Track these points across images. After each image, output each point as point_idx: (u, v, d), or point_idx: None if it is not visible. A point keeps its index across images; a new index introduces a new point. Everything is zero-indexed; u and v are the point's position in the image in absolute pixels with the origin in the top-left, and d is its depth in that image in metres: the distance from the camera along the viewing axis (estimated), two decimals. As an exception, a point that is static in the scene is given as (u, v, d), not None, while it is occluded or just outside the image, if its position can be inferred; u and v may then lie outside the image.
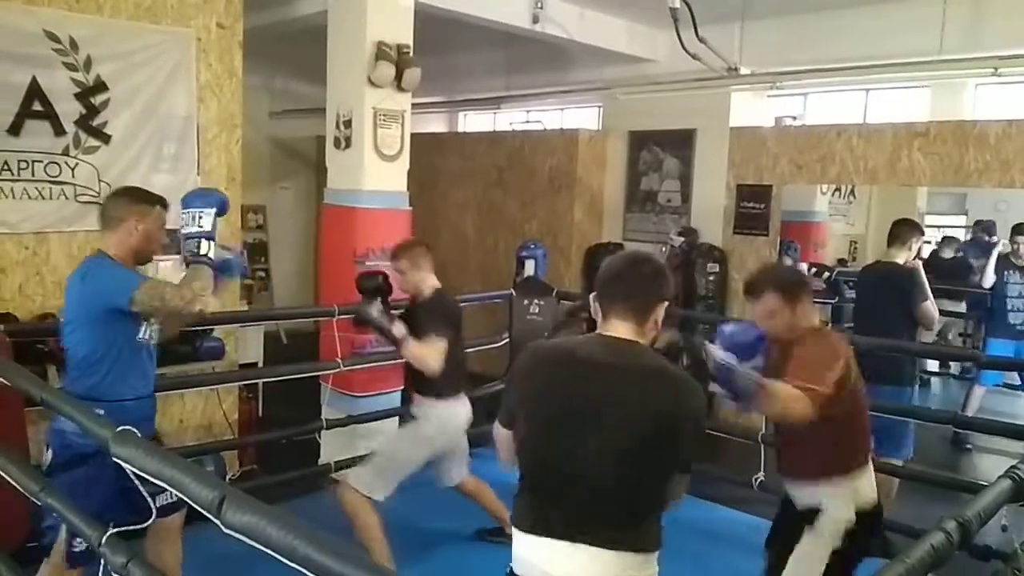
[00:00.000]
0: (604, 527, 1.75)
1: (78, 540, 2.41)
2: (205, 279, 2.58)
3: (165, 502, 2.47)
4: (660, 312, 1.86)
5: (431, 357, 3.31)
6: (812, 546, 2.35)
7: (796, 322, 2.43)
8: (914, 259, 4.28)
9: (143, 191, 2.78)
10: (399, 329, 3.33)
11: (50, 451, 2.58)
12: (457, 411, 3.54)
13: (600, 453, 1.75)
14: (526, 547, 1.82)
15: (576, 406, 1.79)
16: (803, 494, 2.46)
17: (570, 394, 1.81)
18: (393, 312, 3.51)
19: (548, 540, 1.77)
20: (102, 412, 2.38)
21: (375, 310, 3.36)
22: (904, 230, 4.30)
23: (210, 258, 2.61)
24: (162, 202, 2.71)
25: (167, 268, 4.37)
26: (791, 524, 2.48)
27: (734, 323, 2.31)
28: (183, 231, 2.62)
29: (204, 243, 2.60)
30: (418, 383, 3.50)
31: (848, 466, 2.42)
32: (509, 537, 3.69)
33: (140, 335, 2.63)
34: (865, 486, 2.44)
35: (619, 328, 1.84)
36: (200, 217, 2.60)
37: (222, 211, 2.67)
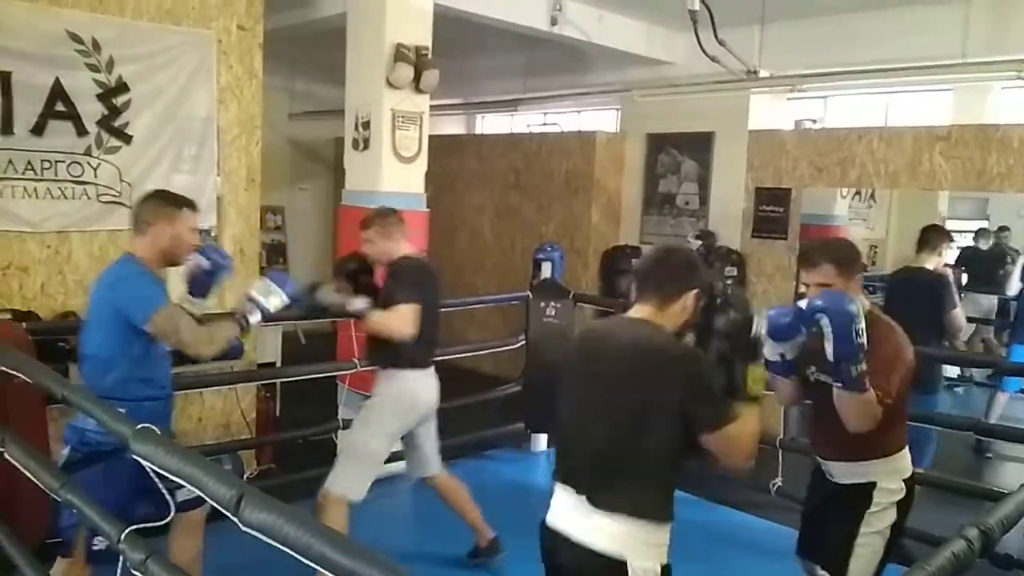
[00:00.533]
0: (600, 486, 1.91)
1: (99, 538, 2.42)
2: (227, 339, 2.73)
3: (185, 497, 2.41)
4: (688, 299, 2.00)
5: (397, 323, 3.12)
6: (872, 527, 2.41)
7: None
8: (943, 265, 4.24)
9: (172, 194, 2.81)
10: (356, 304, 3.23)
11: (67, 448, 2.60)
12: (427, 383, 3.35)
13: (595, 415, 1.95)
14: (554, 494, 2.03)
15: (583, 374, 2.03)
16: (853, 472, 2.47)
17: (582, 364, 2.05)
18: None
19: (563, 488, 1.99)
20: (123, 412, 2.37)
21: (322, 295, 3.33)
22: (934, 236, 4.26)
23: (249, 328, 2.82)
24: (191, 205, 2.74)
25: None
26: (834, 518, 2.49)
27: (776, 308, 2.42)
28: (253, 293, 2.84)
29: (257, 315, 2.82)
30: (380, 355, 3.32)
31: (899, 444, 2.49)
32: (482, 554, 3.51)
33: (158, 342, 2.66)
34: (907, 460, 2.53)
35: (639, 310, 2.02)
36: (273, 298, 2.83)
37: (289, 305, 2.91)
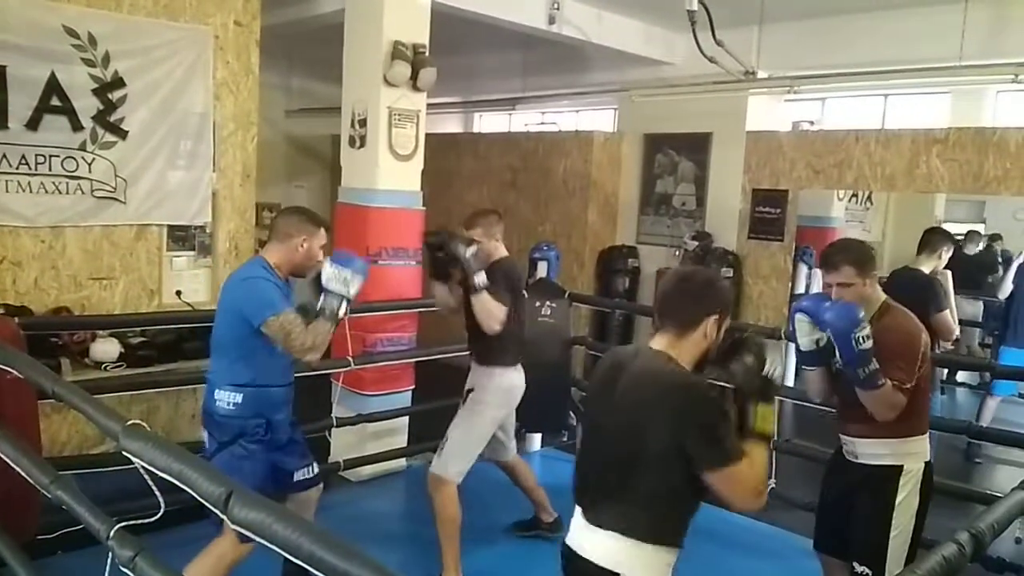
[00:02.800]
0: (600, 505, 1.96)
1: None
2: (326, 340, 2.81)
3: (304, 477, 2.98)
4: (709, 324, 1.97)
5: (496, 315, 3.36)
6: (902, 516, 2.54)
7: (865, 292, 2.60)
8: (943, 269, 4.24)
9: (314, 213, 2.98)
10: (482, 278, 3.35)
11: (207, 435, 2.85)
12: (516, 380, 3.58)
13: (602, 438, 2.01)
14: (574, 516, 2.07)
15: (599, 396, 2.07)
16: (879, 452, 2.60)
17: (600, 388, 2.07)
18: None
19: (579, 511, 2.04)
20: (241, 397, 2.76)
21: (469, 250, 3.36)
22: (935, 239, 4.27)
23: (339, 320, 2.86)
24: (327, 226, 2.96)
25: (181, 262, 4.42)
26: (864, 512, 2.59)
27: (808, 297, 2.62)
28: (329, 285, 2.81)
29: (345, 306, 2.84)
30: (480, 352, 3.56)
31: (924, 427, 2.64)
32: (544, 528, 3.81)
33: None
34: (927, 444, 2.67)
35: (657, 340, 2.01)
36: (351, 282, 2.83)
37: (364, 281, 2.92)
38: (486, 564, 3.67)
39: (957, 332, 4.42)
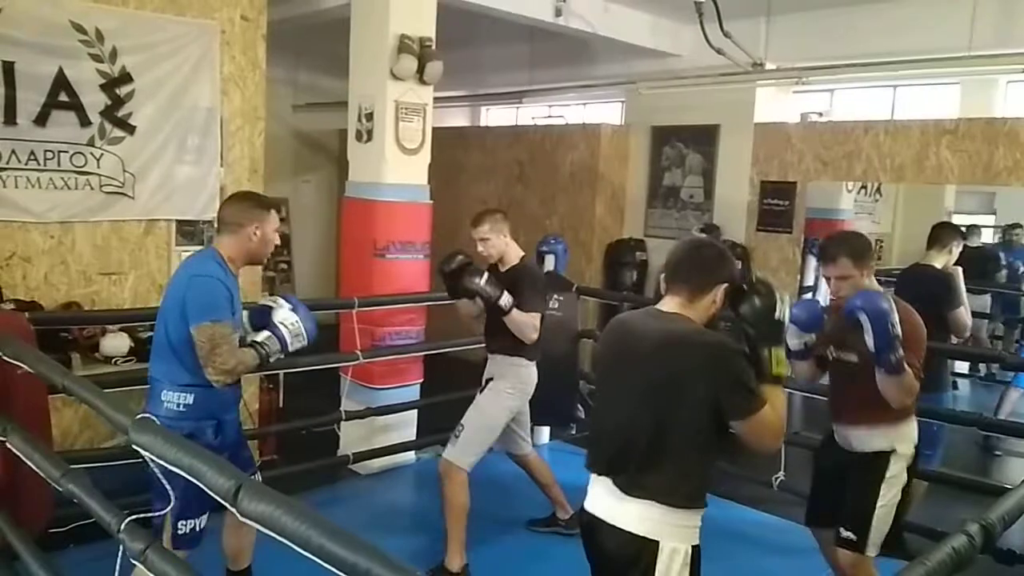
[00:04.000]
0: (627, 473, 1.97)
1: (182, 523, 2.51)
2: (247, 369, 2.65)
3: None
4: (718, 292, 2.04)
5: (531, 327, 3.44)
6: (890, 488, 2.69)
7: (863, 284, 2.70)
8: (954, 264, 4.22)
9: (261, 196, 2.86)
10: (507, 299, 3.40)
11: None
12: (532, 371, 3.63)
13: (626, 405, 2.00)
14: (590, 481, 2.10)
15: (615, 365, 2.09)
16: (874, 437, 2.73)
17: (614, 355, 2.11)
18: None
19: (595, 476, 2.06)
20: (192, 398, 2.58)
21: (482, 281, 3.38)
22: (944, 233, 4.25)
23: (268, 364, 2.73)
24: (278, 207, 2.84)
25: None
26: (854, 484, 2.74)
27: (798, 304, 2.70)
28: (279, 327, 2.70)
29: (279, 353, 2.69)
30: (503, 345, 3.57)
31: (912, 411, 2.75)
32: (562, 525, 3.86)
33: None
34: (915, 426, 2.80)
35: (669, 303, 2.06)
36: (298, 339, 2.72)
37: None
38: (499, 556, 3.68)
39: (970, 328, 4.39)
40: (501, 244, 3.57)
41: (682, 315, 2.02)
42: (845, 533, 2.73)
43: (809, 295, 6.23)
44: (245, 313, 2.81)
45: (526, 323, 3.43)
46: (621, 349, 2.08)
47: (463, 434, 3.49)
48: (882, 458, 2.70)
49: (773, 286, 2.12)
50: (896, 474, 2.70)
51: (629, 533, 1.95)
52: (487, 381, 3.63)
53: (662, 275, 2.14)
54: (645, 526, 1.94)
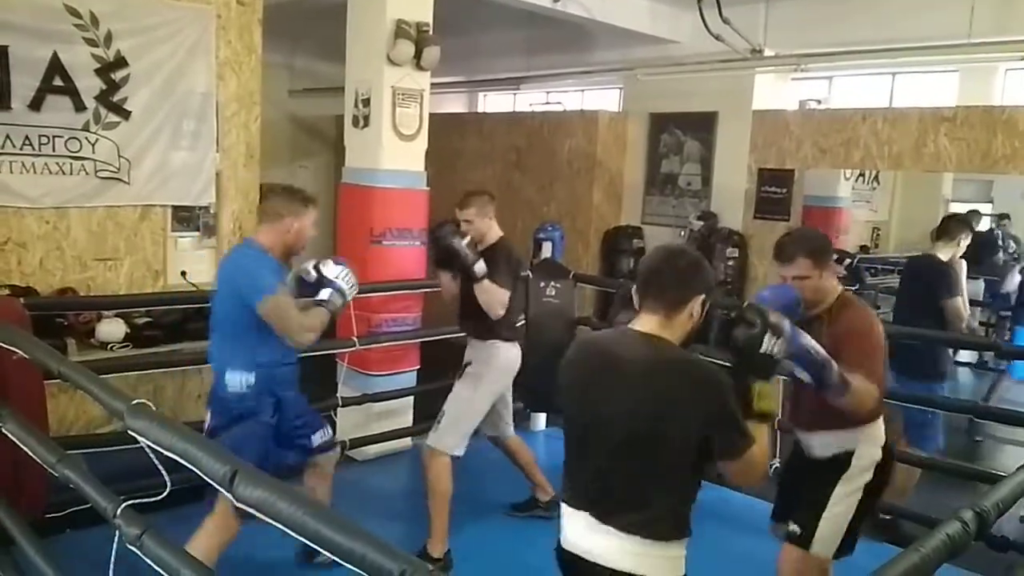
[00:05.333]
0: (609, 507, 1.85)
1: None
2: (321, 328, 2.84)
3: (322, 440, 3.10)
4: (695, 305, 1.90)
5: (498, 300, 3.43)
6: (848, 486, 2.52)
7: (822, 285, 2.52)
8: (960, 257, 4.23)
9: (301, 192, 2.99)
10: (481, 266, 3.42)
11: (210, 414, 2.88)
12: (514, 354, 3.63)
13: (605, 438, 1.86)
14: (564, 516, 1.97)
15: (592, 392, 1.90)
16: (834, 442, 2.57)
17: (591, 381, 1.92)
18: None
19: (572, 511, 1.93)
20: (254, 377, 2.79)
21: (463, 241, 3.42)
22: (953, 226, 4.25)
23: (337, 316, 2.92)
24: (315, 203, 2.98)
25: (185, 243, 4.42)
26: (811, 482, 2.59)
27: (771, 288, 2.48)
28: (336, 281, 2.91)
29: (340, 303, 2.91)
30: (478, 328, 3.59)
31: (875, 414, 2.56)
32: (541, 507, 3.88)
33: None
34: (882, 428, 2.62)
35: (646, 322, 1.90)
36: (352, 288, 2.94)
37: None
38: (480, 539, 3.69)
39: (967, 320, 4.40)
40: (484, 226, 3.60)
41: (664, 338, 1.87)
42: (792, 527, 2.56)
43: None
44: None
45: (494, 295, 3.43)
46: (599, 376, 1.89)
47: (443, 420, 3.52)
48: (840, 459, 2.54)
49: (766, 315, 1.98)
50: (855, 474, 2.52)
51: (612, 570, 1.83)
52: (465, 366, 3.64)
53: (634, 288, 1.96)
54: (630, 561, 1.83)
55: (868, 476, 2.53)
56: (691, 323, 1.91)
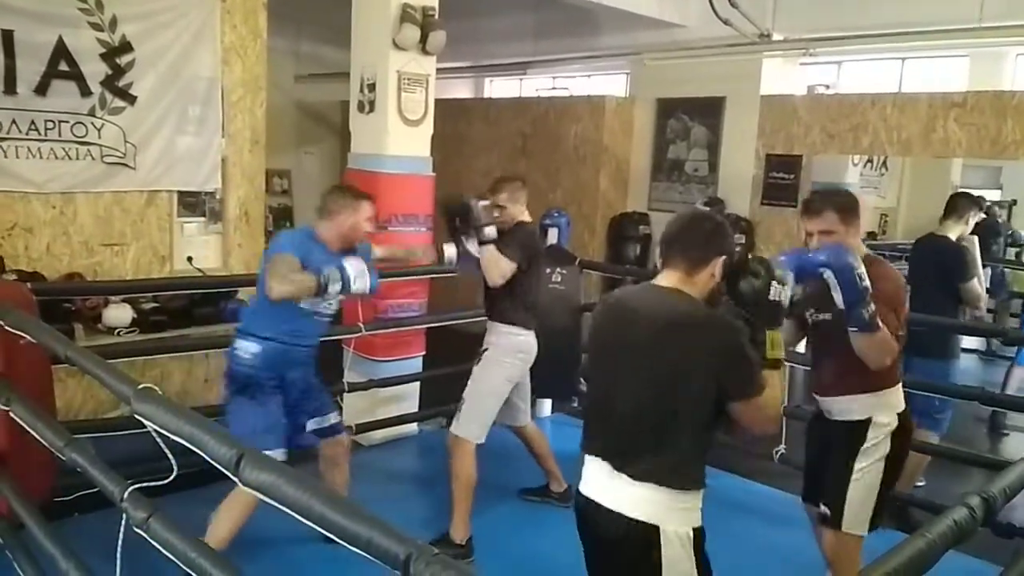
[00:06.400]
0: (626, 455, 1.93)
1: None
2: (299, 288, 2.79)
3: (318, 427, 3.14)
4: (716, 266, 1.98)
5: (500, 268, 3.39)
6: (867, 459, 2.54)
7: (848, 243, 2.50)
8: (969, 234, 4.18)
9: (356, 189, 3.17)
10: (491, 231, 3.38)
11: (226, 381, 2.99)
12: (529, 340, 3.60)
13: (625, 385, 1.95)
14: (585, 464, 2.05)
15: (614, 344, 2.04)
16: (854, 407, 2.59)
17: (612, 334, 2.06)
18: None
19: (593, 458, 2.01)
20: (259, 348, 2.88)
21: (482, 204, 3.39)
22: (961, 203, 4.19)
23: (325, 295, 2.87)
24: (371, 199, 3.11)
25: (191, 228, 4.43)
26: (831, 459, 2.62)
27: (786, 253, 2.42)
28: (347, 266, 2.84)
29: (338, 288, 2.82)
30: (493, 310, 3.59)
31: (893, 379, 2.60)
32: (554, 497, 3.86)
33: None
34: (900, 395, 2.64)
35: (668, 278, 2.00)
36: (360, 281, 2.86)
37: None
38: (494, 523, 3.70)
39: (985, 300, 4.37)
40: (517, 212, 3.55)
41: (682, 291, 1.96)
42: (823, 508, 2.61)
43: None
44: None
45: (496, 262, 3.38)
46: (620, 328, 2.01)
47: (464, 407, 3.51)
48: (859, 428, 2.56)
49: (770, 265, 2.04)
50: (874, 444, 2.54)
51: (628, 518, 1.90)
52: (483, 351, 3.62)
53: (659, 248, 2.09)
54: (645, 510, 1.89)
55: (886, 447, 2.54)
56: (712, 282, 2.00)
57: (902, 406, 2.63)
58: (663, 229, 2.11)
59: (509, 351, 3.57)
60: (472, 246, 3.47)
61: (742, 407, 1.90)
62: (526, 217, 3.61)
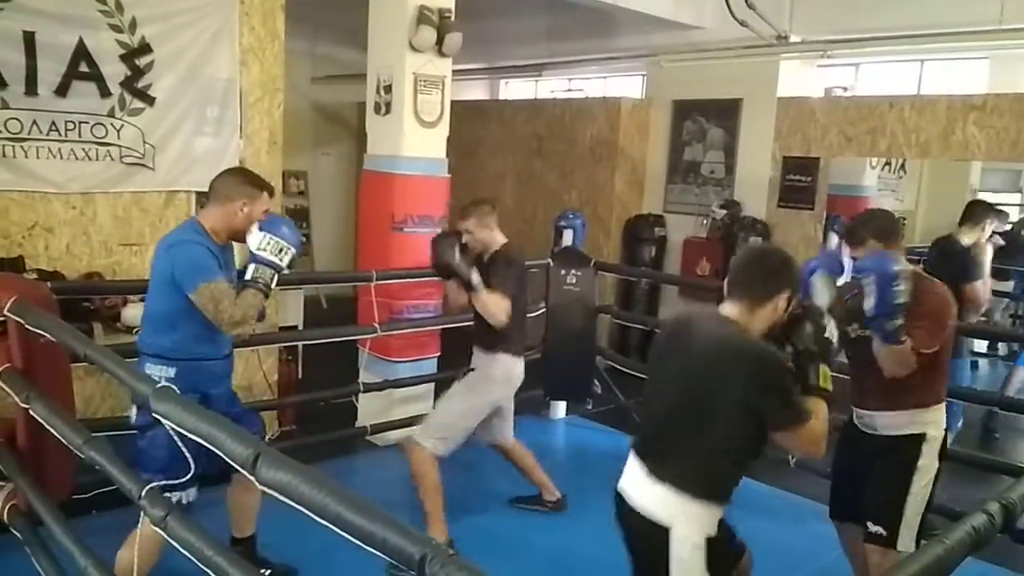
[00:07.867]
0: (657, 457, 2.09)
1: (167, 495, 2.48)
2: (255, 312, 2.66)
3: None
4: (780, 300, 2.11)
5: (500, 308, 3.39)
6: (923, 478, 2.57)
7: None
8: (985, 240, 4.19)
9: (256, 176, 2.85)
10: (476, 277, 3.39)
11: (134, 409, 2.61)
12: (516, 367, 3.61)
13: (666, 394, 2.13)
14: (628, 462, 2.20)
15: (667, 355, 2.20)
16: (901, 423, 2.62)
17: (668, 346, 2.22)
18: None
19: (633, 456, 2.17)
20: (174, 371, 2.58)
21: (456, 255, 3.41)
22: (978, 210, 4.24)
23: (271, 291, 2.70)
24: (270, 190, 2.82)
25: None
26: (880, 477, 2.62)
27: (820, 257, 2.69)
28: (260, 253, 2.64)
29: (275, 277, 2.67)
30: (483, 338, 3.57)
31: (942, 396, 2.66)
32: (544, 505, 3.87)
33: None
34: (944, 413, 2.70)
35: (730, 309, 2.12)
36: (284, 253, 2.66)
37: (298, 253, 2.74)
38: (484, 531, 3.68)
39: (986, 304, 4.36)
40: (486, 236, 3.56)
41: (737, 322, 2.08)
42: (874, 528, 2.58)
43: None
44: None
45: (493, 304, 3.38)
46: (676, 342, 2.17)
47: (431, 419, 3.52)
48: (913, 443, 2.58)
49: (821, 311, 2.23)
50: (929, 462, 2.58)
51: (646, 515, 2.04)
52: (469, 370, 3.62)
53: (726, 279, 2.20)
54: (659, 510, 2.02)
55: (937, 464, 2.60)
56: (775, 316, 2.11)
57: (944, 422, 2.68)
58: (732, 261, 2.24)
59: (497, 378, 3.57)
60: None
61: (785, 435, 2.01)
62: (501, 238, 3.59)
